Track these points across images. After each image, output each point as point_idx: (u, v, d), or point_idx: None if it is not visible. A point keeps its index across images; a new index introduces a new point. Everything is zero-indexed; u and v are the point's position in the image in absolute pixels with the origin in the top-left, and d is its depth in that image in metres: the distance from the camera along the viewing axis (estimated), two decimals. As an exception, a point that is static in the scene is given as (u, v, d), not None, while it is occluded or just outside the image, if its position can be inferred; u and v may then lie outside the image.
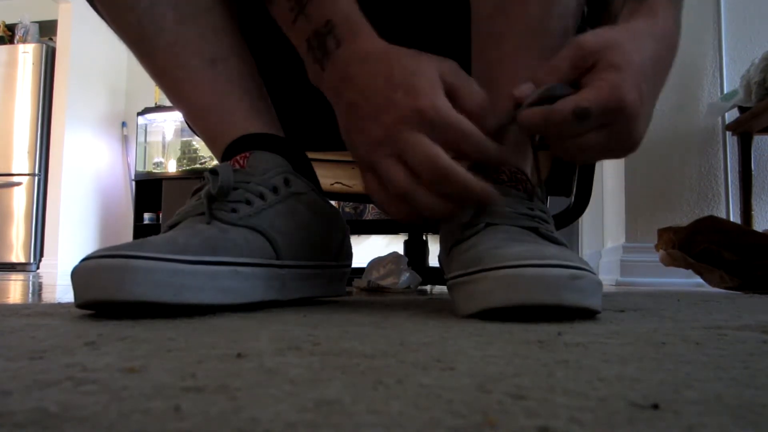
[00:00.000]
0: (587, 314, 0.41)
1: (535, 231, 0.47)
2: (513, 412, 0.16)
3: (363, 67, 0.46)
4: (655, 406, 0.17)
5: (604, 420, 0.16)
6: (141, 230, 4.05)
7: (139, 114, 4.28)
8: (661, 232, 1.30)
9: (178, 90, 0.60)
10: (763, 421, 0.16)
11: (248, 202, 0.51)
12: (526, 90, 0.44)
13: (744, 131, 1.91)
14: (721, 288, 1.21)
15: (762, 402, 0.18)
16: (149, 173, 4.23)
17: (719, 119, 2.01)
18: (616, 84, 0.42)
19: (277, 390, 0.19)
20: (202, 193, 0.51)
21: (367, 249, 3.09)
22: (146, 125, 4.34)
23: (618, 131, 0.43)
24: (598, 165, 0.97)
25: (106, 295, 0.40)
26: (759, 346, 0.30)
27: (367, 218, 3.53)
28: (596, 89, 0.42)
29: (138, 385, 0.19)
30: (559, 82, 0.44)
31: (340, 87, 0.47)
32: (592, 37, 0.44)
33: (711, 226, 1.21)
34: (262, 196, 0.52)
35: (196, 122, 0.62)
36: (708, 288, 1.31)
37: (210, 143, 0.61)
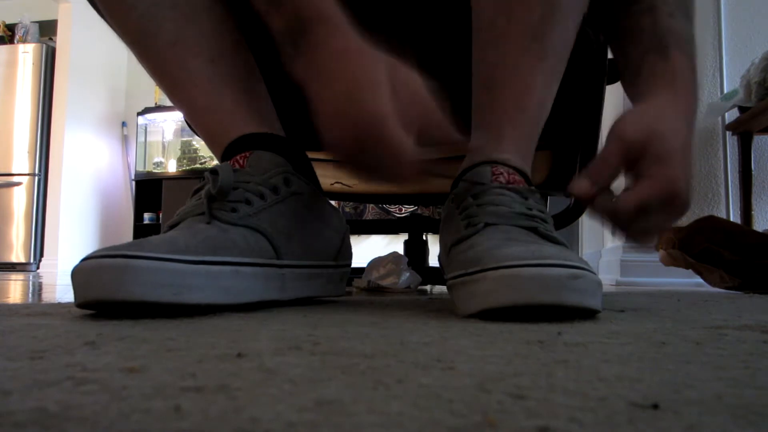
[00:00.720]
0: (587, 314, 0.41)
1: (535, 231, 0.47)
2: (513, 412, 0.16)
3: (327, 66, 0.45)
4: (655, 406, 0.17)
5: (604, 420, 0.16)
6: (141, 230, 4.05)
7: (139, 114, 4.29)
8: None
9: (178, 90, 0.60)
10: (763, 421, 0.16)
11: (248, 202, 0.51)
12: (584, 186, 0.49)
13: (744, 131, 1.91)
14: (721, 288, 1.21)
15: (762, 402, 0.18)
16: (149, 173, 4.23)
17: (719, 119, 2.01)
18: (668, 177, 0.48)
19: (277, 390, 0.19)
20: (202, 193, 0.51)
21: (367, 249, 3.09)
22: (146, 125, 4.34)
23: (674, 211, 0.51)
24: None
25: (106, 295, 0.40)
26: (759, 346, 0.30)
27: (367, 218, 3.54)
28: (651, 185, 0.48)
29: (138, 385, 0.19)
30: (611, 174, 0.50)
31: (308, 80, 0.46)
32: (631, 127, 0.50)
33: (711, 226, 1.21)
34: (262, 196, 0.52)
35: (196, 122, 0.62)
36: (708, 288, 1.31)
37: (210, 143, 0.61)
